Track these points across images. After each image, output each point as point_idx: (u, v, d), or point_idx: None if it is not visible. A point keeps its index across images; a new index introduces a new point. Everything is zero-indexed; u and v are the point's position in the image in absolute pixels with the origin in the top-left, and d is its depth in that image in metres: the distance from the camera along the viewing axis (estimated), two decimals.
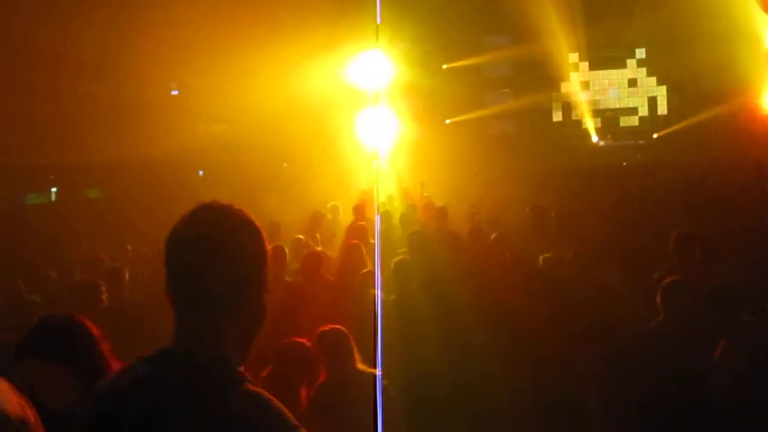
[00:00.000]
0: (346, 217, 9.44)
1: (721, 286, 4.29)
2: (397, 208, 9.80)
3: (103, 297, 5.29)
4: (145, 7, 13.71)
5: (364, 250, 6.35)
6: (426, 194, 11.54)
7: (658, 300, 4.53)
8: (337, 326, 4.39)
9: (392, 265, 5.54)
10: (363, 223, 7.53)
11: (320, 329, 4.34)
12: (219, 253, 1.71)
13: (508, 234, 7.77)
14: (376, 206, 5.39)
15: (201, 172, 17.39)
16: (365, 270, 5.69)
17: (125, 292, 5.80)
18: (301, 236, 7.83)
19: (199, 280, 1.70)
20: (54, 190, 14.90)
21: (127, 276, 5.90)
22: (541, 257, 6.37)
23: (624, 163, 19.18)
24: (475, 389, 4.79)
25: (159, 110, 15.75)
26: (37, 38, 11.65)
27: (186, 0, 14.29)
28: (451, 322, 5.18)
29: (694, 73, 19.21)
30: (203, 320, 1.70)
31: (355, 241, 6.26)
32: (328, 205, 10.36)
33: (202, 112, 16.41)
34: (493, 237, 7.38)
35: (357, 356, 4.33)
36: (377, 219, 5.13)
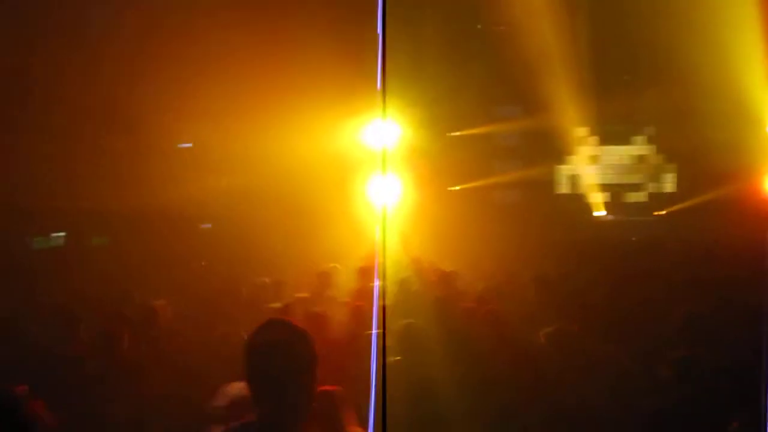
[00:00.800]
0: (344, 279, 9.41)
1: None
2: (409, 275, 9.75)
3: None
4: (160, 59, 13.92)
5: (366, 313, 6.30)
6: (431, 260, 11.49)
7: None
8: (333, 387, 4.30)
9: (400, 327, 5.47)
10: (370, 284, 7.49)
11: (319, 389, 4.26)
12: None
13: (508, 306, 7.74)
14: (376, 271, 5.35)
15: (207, 226, 17.42)
16: (368, 332, 5.62)
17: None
18: (305, 294, 7.79)
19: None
20: (62, 234, 14.93)
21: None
22: (542, 332, 6.32)
23: (633, 239, 19.15)
24: None
25: (169, 161, 15.86)
26: (53, 84, 11.80)
27: (201, 56, 14.50)
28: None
29: (702, 152, 19.34)
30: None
31: (360, 303, 6.20)
32: (329, 266, 10.33)
33: (210, 164, 16.52)
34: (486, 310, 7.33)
35: (353, 419, 4.24)
36: (375, 284, 5.09)
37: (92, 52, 12.77)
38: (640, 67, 20.03)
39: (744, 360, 5.30)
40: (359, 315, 6.41)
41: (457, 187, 20.80)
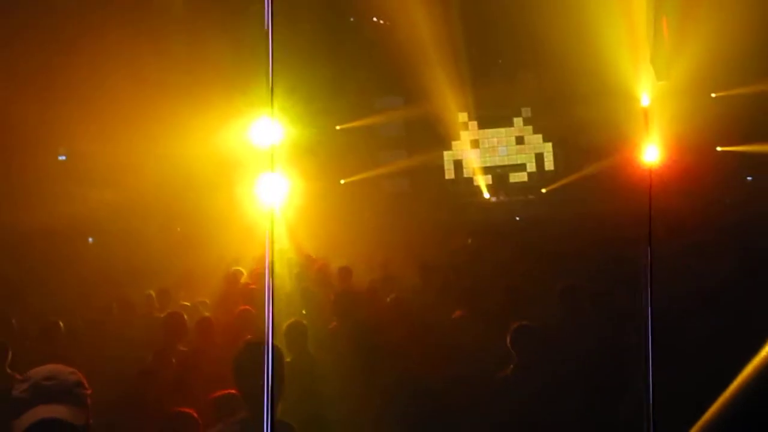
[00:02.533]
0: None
1: None
2: (292, 269, 9.78)
3: None
4: (32, 70, 13.39)
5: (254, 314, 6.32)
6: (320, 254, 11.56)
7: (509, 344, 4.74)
8: (230, 391, 4.32)
9: (284, 327, 5.51)
10: (254, 286, 7.50)
11: (212, 395, 4.28)
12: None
13: (405, 293, 7.89)
14: (267, 269, 5.35)
15: (90, 239, 16.90)
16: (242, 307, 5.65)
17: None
18: (187, 303, 7.73)
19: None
20: None
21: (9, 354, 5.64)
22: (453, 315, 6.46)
23: (517, 218, 19.76)
24: None
25: (46, 176, 15.30)
26: None
27: (74, 62, 14.03)
28: (350, 383, 5.17)
29: (577, 130, 20.12)
30: None
31: (247, 307, 6.20)
32: (231, 270, 10.25)
33: (91, 176, 16.01)
34: (390, 299, 7.45)
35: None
36: (267, 281, 5.08)
37: None
38: (512, 51, 20.61)
39: (630, 327, 5.52)
40: (248, 318, 6.44)
41: (344, 181, 20.92)
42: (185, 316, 6.71)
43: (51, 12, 13.75)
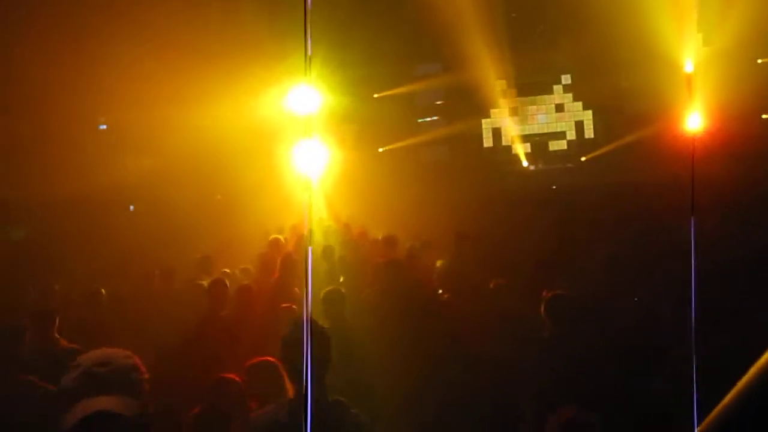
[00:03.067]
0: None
1: None
2: (333, 241, 9.81)
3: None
4: (71, 40, 13.51)
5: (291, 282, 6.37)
6: (360, 225, 11.59)
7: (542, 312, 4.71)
8: (266, 358, 4.36)
9: (322, 295, 5.54)
10: (293, 256, 7.55)
11: (249, 362, 4.32)
12: None
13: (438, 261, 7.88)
14: (308, 238, 5.38)
15: (132, 207, 17.14)
16: (284, 305, 5.69)
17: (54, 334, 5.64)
18: (228, 270, 7.81)
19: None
20: None
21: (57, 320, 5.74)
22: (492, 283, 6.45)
23: (554, 186, 19.59)
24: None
25: (86, 145, 15.49)
26: None
27: (112, 32, 14.12)
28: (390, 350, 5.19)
29: (618, 97, 19.81)
30: None
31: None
32: (270, 238, 10.31)
33: (131, 145, 16.19)
34: (435, 264, 7.44)
35: (290, 386, 4.30)
36: (309, 252, 5.12)
37: (4, 37, 12.33)
38: (553, 16, 20.29)
39: (671, 297, 5.47)
40: (283, 286, 6.50)
41: (383, 149, 20.90)
42: (227, 283, 6.78)
43: None
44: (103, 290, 6.95)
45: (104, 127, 17.27)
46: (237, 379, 4.41)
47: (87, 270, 9.16)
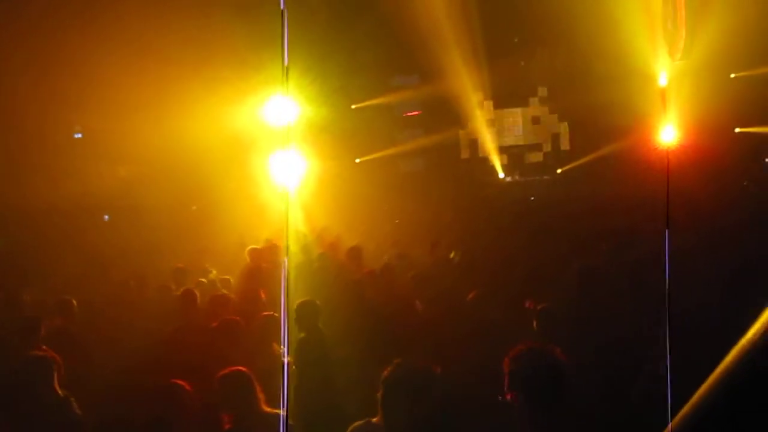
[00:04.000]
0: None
1: None
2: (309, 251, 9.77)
3: None
4: (46, 46, 13.39)
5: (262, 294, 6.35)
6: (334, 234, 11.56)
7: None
8: (239, 368, 4.31)
9: (296, 305, 5.52)
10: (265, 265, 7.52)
11: (220, 373, 4.27)
12: None
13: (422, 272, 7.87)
14: (287, 246, 5.37)
15: (106, 217, 16.97)
16: (265, 313, 5.65)
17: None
18: (204, 279, 7.78)
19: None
20: None
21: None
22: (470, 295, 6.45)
23: (532, 198, 19.68)
24: None
25: (61, 153, 15.33)
26: None
27: (87, 39, 14.01)
28: (363, 360, 5.17)
29: (594, 110, 19.96)
30: None
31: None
32: (247, 249, 10.26)
33: (106, 154, 16.05)
34: (410, 276, 7.43)
35: (261, 397, 4.26)
36: (286, 263, 5.12)
37: None
38: (529, 30, 20.43)
39: (646, 310, 5.49)
40: (259, 297, 6.47)
41: (360, 159, 20.90)
42: (197, 294, 6.74)
43: None
44: (74, 300, 6.87)
45: (79, 135, 17.11)
46: (185, 385, 4.34)
47: (59, 279, 9.06)
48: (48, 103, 14.00)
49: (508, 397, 3.43)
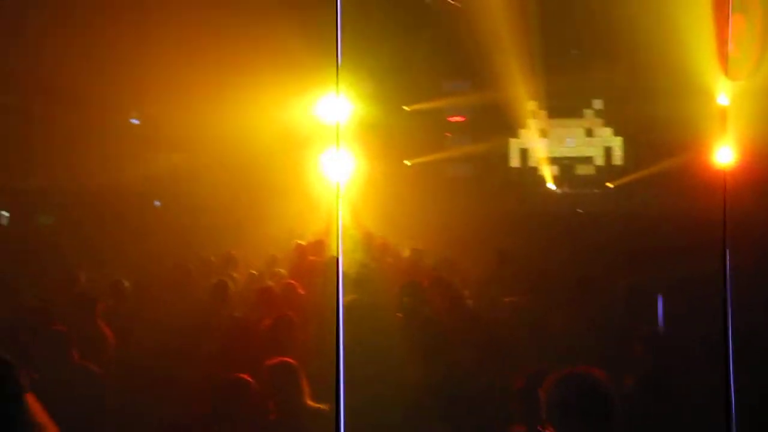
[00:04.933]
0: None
1: None
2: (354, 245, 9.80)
3: None
4: (109, 33, 13.65)
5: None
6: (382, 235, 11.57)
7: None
8: (286, 359, 4.33)
9: (346, 303, 5.51)
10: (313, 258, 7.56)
11: (268, 362, 4.28)
12: None
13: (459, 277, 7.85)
14: (339, 244, 5.39)
15: (157, 203, 17.23)
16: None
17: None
18: (254, 271, 7.85)
19: None
20: (5, 214, 14.60)
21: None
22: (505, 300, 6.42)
23: (580, 211, 19.47)
24: None
25: (118, 138, 15.62)
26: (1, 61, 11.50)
27: (150, 30, 14.25)
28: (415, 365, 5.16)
29: (650, 126, 19.67)
30: None
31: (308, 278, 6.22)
32: (294, 244, 10.34)
33: (161, 141, 16.31)
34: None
35: (307, 390, 4.28)
36: (340, 260, 5.12)
37: (42, 27, 12.48)
38: (588, 41, 20.23)
39: (695, 332, 5.39)
40: (305, 290, 6.51)
41: (410, 162, 20.90)
42: (230, 284, 6.79)
43: None
44: (126, 281, 6.99)
45: (136, 121, 17.40)
46: (249, 380, 4.37)
47: (110, 260, 9.23)
48: (109, 88, 14.27)
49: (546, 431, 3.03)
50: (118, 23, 13.88)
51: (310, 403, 4.24)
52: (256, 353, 5.20)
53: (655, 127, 19.34)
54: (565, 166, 22.23)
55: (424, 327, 5.54)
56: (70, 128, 14.02)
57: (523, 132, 22.22)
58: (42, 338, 4.78)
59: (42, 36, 12.51)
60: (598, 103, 22.06)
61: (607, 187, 21.23)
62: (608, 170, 21.84)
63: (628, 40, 17.85)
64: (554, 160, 22.15)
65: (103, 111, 15.39)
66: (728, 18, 17.26)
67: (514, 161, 22.55)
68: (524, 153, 22.45)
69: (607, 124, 22.00)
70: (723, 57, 17.24)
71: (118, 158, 14.79)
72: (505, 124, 21.50)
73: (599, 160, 22.13)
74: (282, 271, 8.59)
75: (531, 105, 21.69)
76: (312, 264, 8.31)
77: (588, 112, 22.21)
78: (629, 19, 16.86)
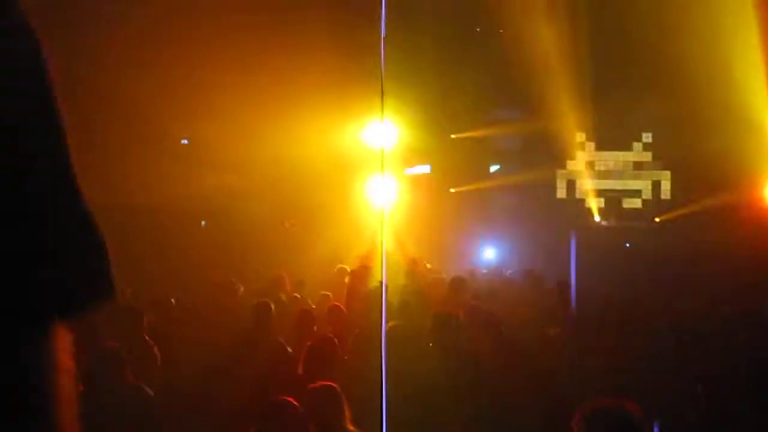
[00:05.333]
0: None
1: None
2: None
3: None
4: (164, 54, 13.95)
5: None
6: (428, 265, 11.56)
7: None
8: (329, 382, 4.35)
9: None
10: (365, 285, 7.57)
11: (310, 386, 4.31)
12: None
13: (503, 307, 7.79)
14: (383, 269, 5.40)
15: (203, 223, 17.45)
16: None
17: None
18: (297, 294, 7.90)
19: None
20: None
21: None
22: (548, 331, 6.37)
23: (627, 245, 19.19)
24: None
25: (167, 157, 15.88)
26: (61, 81, 11.80)
27: (205, 53, 14.54)
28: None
29: (700, 160, 19.39)
30: None
31: (355, 303, 6.23)
32: (337, 268, 10.37)
33: (209, 162, 16.54)
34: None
35: (348, 415, 4.28)
36: (384, 285, 5.13)
37: (97, 48, 12.81)
38: (638, 72, 20.08)
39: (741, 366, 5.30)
40: (349, 314, 6.51)
41: (455, 190, 20.88)
42: (272, 306, 6.80)
43: (180, 8, 14.27)
44: (173, 299, 7.07)
45: (186, 141, 17.69)
46: (294, 403, 4.40)
47: (157, 278, 9.35)
48: (161, 108, 14.54)
49: None
50: (173, 47, 14.18)
51: (351, 427, 4.24)
52: (296, 375, 5.22)
53: (705, 160, 19.07)
54: (612, 199, 22.00)
55: (459, 356, 5.51)
56: (121, 146, 14.31)
57: (570, 163, 22.08)
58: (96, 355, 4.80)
59: (97, 57, 12.83)
60: (647, 136, 21.84)
61: (655, 221, 20.94)
62: (656, 204, 21.56)
63: (679, 73, 17.70)
64: (601, 193, 21.94)
65: (155, 130, 15.69)
66: None
67: (561, 192, 22.39)
68: (571, 184, 22.28)
69: (656, 156, 21.76)
70: None
71: (168, 177, 15.02)
72: (553, 155, 21.38)
73: (647, 194, 21.87)
74: (326, 293, 8.63)
75: (579, 136, 21.56)
76: (355, 288, 8.33)
77: (637, 144, 22.00)
78: (681, 52, 16.73)
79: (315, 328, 6.71)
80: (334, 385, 4.31)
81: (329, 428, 4.19)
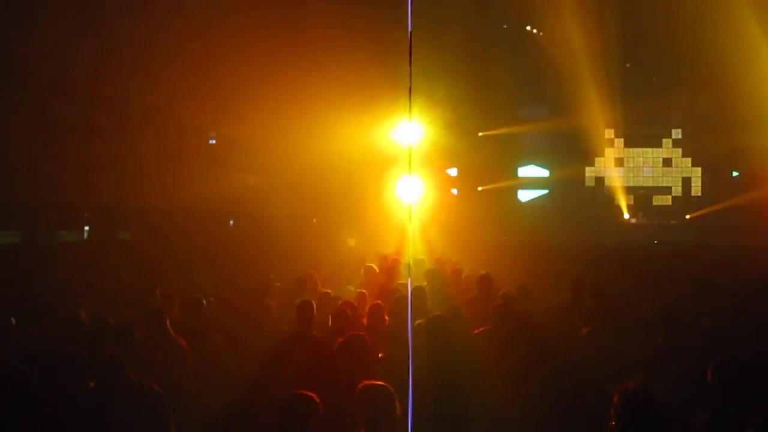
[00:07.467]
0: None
1: None
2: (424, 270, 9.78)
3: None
4: (193, 55, 14.05)
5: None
6: (455, 260, 11.51)
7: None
8: (379, 382, 4.22)
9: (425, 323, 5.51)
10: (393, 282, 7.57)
11: (364, 383, 4.19)
12: None
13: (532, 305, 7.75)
14: (409, 267, 5.42)
15: (232, 222, 17.55)
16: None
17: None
18: (329, 290, 7.88)
19: None
20: (86, 228, 15.08)
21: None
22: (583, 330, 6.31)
23: (655, 242, 19.04)
24: None
25: (196, 157, 16.00)
26: (89, 84, 11.94)
27: (232, 54, 14.63)
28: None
29: (730, 157, 19.20)
30: None
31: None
32: (365, 267, 10.37)
33: (237, 161, 16.65)
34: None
35: (399, 412, 4.21)
36: (409, 283, 5.15)
37: (127, 49, 12.94)
38: (668, 70, 19.92)
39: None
40: (378, 311, 6.51)
41: (482, 188, 20.84)
42: (314, 304, 6.80)
43: (210, 10, 14.37)
44: (203, 300, 7.10)
45: (213, 141, 17.80)
46: (314, 397, 4.31)
47: (186, 277, 9.41)
48: (190, 108, 14.65)
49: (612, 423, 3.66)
50: (203, 48, 14.28)
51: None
52: (329, 372, 5.23)
53: (737, 157, 18.88)
54: (642, 196, 21.84)
55: (490, 355, 5.50)
56: (150, 147, 14.43)
57: (599, 160, 21.95)
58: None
59: (126, 58, 12.95)
60: (677, 133, 21.66)
61: (686, 218, 20.76)
62: (686, 201, 21.38)
63: (709, 70, 17.54)
64: (630, 190, 21.80)
65: (184, 131, 15.81)
66: None
67: (590, 189, 22.28)
68: (600, 181, 22.15)
69: (686, 154, 21.57)
70: None
71: (195, 177, 15.13)
72: (582, 152, 21.27)
73: (677, 191, 21.68)
74: (354, 289, 8.64)
75: (608, 133, 21.43)
76: (384, 285, 8.34)
77: (666, 141, 21.81)
78: (711, 50, 16.57)
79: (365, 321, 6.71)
80: (388, 386, 4.18)
81: (379, 427, 4.08)
